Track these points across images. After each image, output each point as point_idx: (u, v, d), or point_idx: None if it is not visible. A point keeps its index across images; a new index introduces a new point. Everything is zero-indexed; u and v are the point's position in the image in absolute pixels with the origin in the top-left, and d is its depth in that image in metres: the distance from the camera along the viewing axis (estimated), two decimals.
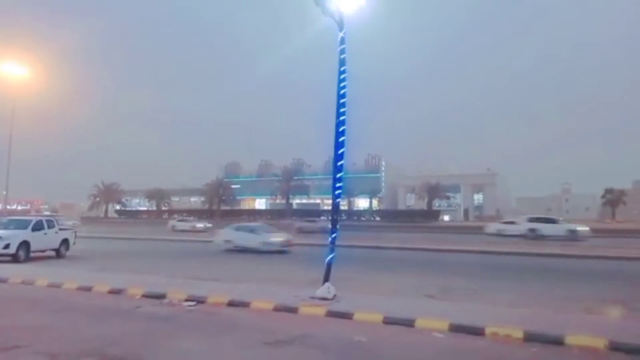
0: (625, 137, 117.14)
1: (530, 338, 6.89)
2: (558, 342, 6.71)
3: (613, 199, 76.32)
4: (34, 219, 19.48)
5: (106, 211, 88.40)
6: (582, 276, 14.73)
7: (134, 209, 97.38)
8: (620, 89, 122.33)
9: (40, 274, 13.05)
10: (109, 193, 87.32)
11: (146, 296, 10.18)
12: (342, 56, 10.37)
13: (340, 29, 10.41)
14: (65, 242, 19.74)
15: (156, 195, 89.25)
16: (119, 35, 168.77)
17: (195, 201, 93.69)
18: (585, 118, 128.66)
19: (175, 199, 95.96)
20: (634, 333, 7.00)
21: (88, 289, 11.05)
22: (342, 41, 10.40)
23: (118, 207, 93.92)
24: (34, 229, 17.99)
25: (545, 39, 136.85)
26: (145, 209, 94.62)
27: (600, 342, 6.54)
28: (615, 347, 6.41)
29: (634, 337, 6.75)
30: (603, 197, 78.68)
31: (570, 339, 6.71)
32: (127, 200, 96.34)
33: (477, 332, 7.23)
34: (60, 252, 19.32)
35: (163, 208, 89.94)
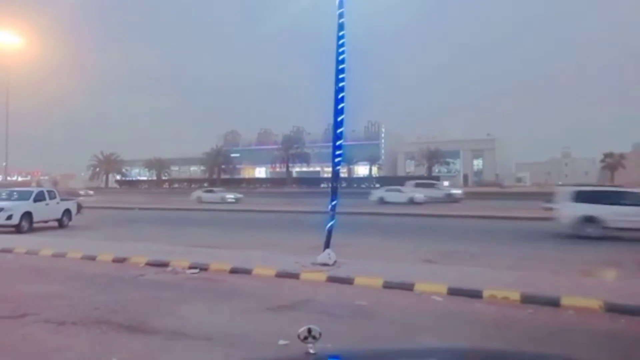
0: (625, 100, 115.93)
1: (527, 300, 7.04)
2: (554, 303, 6.86)
3: (612, 163, 76.28)
4: (36, 190, 19.58)
5: (106, 181, 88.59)
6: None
7: (134, 178, 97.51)
8: (621, 52, 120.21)
9: (44, 244, 13.19)
10: (109, 163, 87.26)
11: (150, 264, 10.33)
12: (340, 20, 10.15)
13: None
14: (67, 212, 19.89)
15: (156, 164, 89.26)
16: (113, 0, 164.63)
17: (195, 170, 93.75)
18: (586, 81, 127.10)
19: (174, 168, 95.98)
20: (626, 294, 7.14)
21: (92, 258, 11.20)
22: (341, 4, 10.17)
23: (118, 177, 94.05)
24: (35, 200, 18.09)
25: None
26: (145, 178, 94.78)
27: (595, 303, 6.69)
28: (610, 308, 6.56)
29: (627, 297, 6.90)
30: (602, 161, 78.64)
31: (565, 300, 6.86)
32: (127, 170, 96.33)
33: (475, 295, 7.38)
34: (62, 222, 19.50)
35: (163, 177, 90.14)
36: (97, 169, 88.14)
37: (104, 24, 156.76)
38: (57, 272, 9.88)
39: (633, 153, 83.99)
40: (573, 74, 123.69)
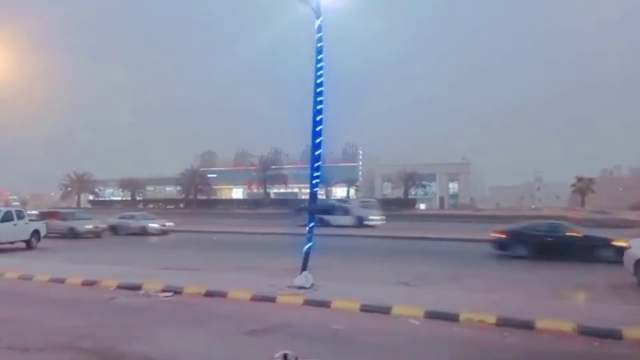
0: (597, 126, 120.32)
1: (502, 323, 7.08)
2: (529, 326, 6.92)
3: (582, 187, 78.43)
4: (4, 210, 18.95)
5: (78, 201, 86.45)
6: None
7: (107, 199, 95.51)
8: (594, 80, 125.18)
9: (10, 266, 12.70)
10: (82, 183, 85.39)
11: (121, 287, 10.04)
12: (319, 44, 10.30)
13: (317, 17, 10.32)
14: (36, 233, 19.26)
15: (130, 184, 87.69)
16: (88, 15, 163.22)
17: (171, 191, 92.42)
18: (558, 108, 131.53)
19: (150, 188, 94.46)
20: (598, 317, 7.26)
21: (61, 281, 10.83)
22: (319, 29, 10.33)
23: (91, 198, 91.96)
24: (3, 220, 17.49)
25: (522, 30, 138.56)
26: (119, 199, 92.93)
27: (568, 326, 6.77)
28: (583, 331, 6.64)
29: (599, 320, 7.01)
30: (573, 185, 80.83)
31: (540, 323, 6.93)
32: (100, 190, 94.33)
33: (452, 318, 7.40)
34: (31, 243, 18.85)
35: (137, 198, 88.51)
36: (69, 189, 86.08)
37: (77, 41, 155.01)
38: (23, 296, 9.51)
39: (601, 177, 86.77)
40: (544, 100, 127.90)
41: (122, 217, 30.11)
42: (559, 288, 10.20)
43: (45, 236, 20.06)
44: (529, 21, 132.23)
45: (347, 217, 32.70)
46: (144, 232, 27.32)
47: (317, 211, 30.50)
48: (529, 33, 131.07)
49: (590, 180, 79.29)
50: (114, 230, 28.17)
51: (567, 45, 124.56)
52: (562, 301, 8.93)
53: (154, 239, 25.99)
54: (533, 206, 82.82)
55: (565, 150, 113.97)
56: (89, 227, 25.80)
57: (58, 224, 25.20)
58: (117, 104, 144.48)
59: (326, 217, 31.29)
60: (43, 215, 26.60)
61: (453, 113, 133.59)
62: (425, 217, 55.42)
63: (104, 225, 27.06)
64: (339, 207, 35.26)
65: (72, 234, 24.70)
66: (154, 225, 28.55)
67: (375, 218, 33.65)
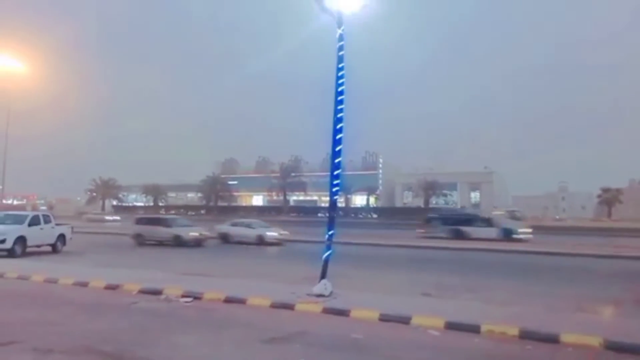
0: (622, 136, 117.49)
1: (525, 336, 6.93)
2: (553, 340, 6.75)
3: (609, 198, 76.54)
4: (31, 214, 19.44)
5: (103, 206, 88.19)
6: None
7: (130, 204, 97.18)
8: (619, 88, 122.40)
9: (36, 269, 13.02)
10: (106, 188, 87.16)
11: (143, 292, 10.17)
12: (340, 53, 10.35)
13: (339, 26, 10.38)
14: (61, 237, 19.69)
15: (153, 190, 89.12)
16: (115, 27, 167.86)
17: (192, 197, 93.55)
18: (583, 116, 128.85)
19: (172, 194, 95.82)
20: (625, 331, 7.03)
21: (85, 285, 11.03)
22: (341, 38, 10.38)
23: (115, 203, 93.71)
24: (30, 224, 17.94)
25: (544, 38, 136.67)
26: (142, 204, 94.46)
27: (595, 341, 6.58)
28: (610, 346, 6.44)
29: (626, 335, 6.79)
30: (599, 196, 78.94)
31: (565, 337, 6.75)
32: (123, 195, 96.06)
33: (473, 329, 7.26)
34: (56, 247, 19.28)
35: (160, 204, 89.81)
36: (94, 194, 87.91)
37: (106, 51, 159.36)
38: (48, 299, 9.70)
39: (629, 188, 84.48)
40: (571, 109, 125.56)
41: (235, 224, 27.98)
42: (581, 301, 9.92)
43: (144, 243, 20.40)
44: (555, 26, 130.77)
45: (490, 230, 29.03)
46: (260, 242, 25.17)
47: (452, 222, 30.07)
48: (555, 37, 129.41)
49: (618, 190, 77.34)
50: (225, 238, 26.40)
51: (592, 51, 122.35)
52: (585, 315, 8.68)
53: (272, 249, 23.69)
54: (557, 217, 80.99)
55: (592, 160, 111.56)
56: (194, 234, 24.39)
57: (161, 231, 24.42)
58: (143, 112, 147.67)
59: (464, 228, 29.25)
60: (141, 221, 26.21)
61: (474, 121, 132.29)
62: None
63: (207, 233, 25.35)
64: (481, 218, 31.67)
65: (177, 242, 23.52)
66: (272, 233, 26.21)
67: (526, 231, 29.33)
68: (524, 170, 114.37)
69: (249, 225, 27.28)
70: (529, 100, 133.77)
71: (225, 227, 27.61)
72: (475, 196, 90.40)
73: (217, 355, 6.17)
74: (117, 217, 61.47)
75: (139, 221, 26.61)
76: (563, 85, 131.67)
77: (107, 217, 62.02)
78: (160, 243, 23.90)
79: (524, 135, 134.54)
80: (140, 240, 24.37)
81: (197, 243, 23.90)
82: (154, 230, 24.36)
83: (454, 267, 16.51)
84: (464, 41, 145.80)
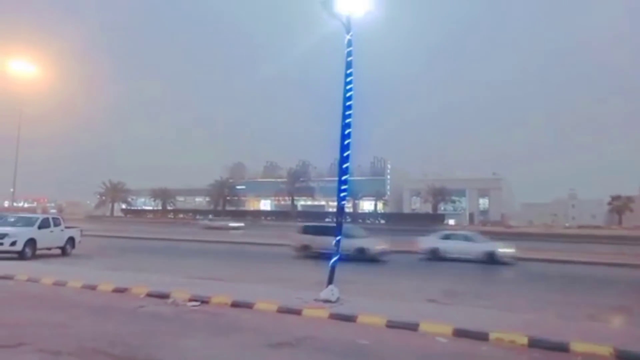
0: (633, 142, 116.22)
1: (534, 344, 6.85)
2: (562, 348, 6.66)
3: (619, 206, 75.73)
4: (41, 217, 19.61)
5: (112, 210, 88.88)
6: None
7: (139, 208, 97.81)
8: (629, 92, 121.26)
9: (45, 272, 13.11)
10: (115, 192, 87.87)
11: (150, 295, 10.21)
12: (348, 58, 10.36)
13: (347, 32, 10.40)
14: (71, 240, 19.84)
15: (161, 194, 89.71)
16: (126, 30, 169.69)
17: (200, 201, 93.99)
18: (593, 122, 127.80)
19: (180, 198, 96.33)
20: (637, 340, 6.93)
21: (93, 288, 11.09)
22: (349, 44, 10.40)
23: (124, 206, 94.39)
24: (40, 227, 18.09)
25: (555, 37, 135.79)
26: (150, 208, 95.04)
27: (605, 350, 6.49)
28: (621, 355, 6.35)
29: (637, 345, 6.69)
30: (610, 203, 78.12)
31: (575, 346, 6.67)
32: (132, 199, 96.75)
33: (481, 337, 7.19)
34: (66, 250, 19.42)
35: (168, 207, 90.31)
36: (104, 197, 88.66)
37: (116, 55, 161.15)
38: (57, 301, 9.77)
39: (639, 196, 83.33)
40: (580, 114, 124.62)
41: (447, 237, 22.48)
42: (591, 310, 9.80)
43: (309, 256, 18.50)
44: (562, 28, 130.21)
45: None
46: (490, 260, 19.93)
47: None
48: (562, 40, 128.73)
49: (629, 198, 76.49)
50: (434, 253, 21.40)
51: (597, 53, 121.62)
52: (595, 323, 8.57)
53: (509, 272, 18.03)
54: (567, 224, 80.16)
55: (602, 167, 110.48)
56: (382, 247, 20.54)
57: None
58: (152, 116, 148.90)
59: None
60: (309, 230, 21.88)
61: (482, 125, 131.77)
62: None
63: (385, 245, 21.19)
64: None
65: (362, 256, 19.39)
66: (504, 250, 20.58)
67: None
68: (534, 177, 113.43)
69: (467, 238, 21.99)
70: (539, 104, 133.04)
71: (432, 240, 22.60)
72: (483, 202, 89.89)
73: (223, 358, 6.16)
74: (242, 224, 55.38)
75: (306, 230, 22.29)
76: (575, 88, 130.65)
77: (232, 224, 54.12)
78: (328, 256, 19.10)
79: (532, 139, 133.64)
80: (307, 253, 20.67)
81: (372, 258, 19.82)
82: (326, 240, 16.88)
83: (462, 274, 16.41)
84: (471, 39, 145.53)
